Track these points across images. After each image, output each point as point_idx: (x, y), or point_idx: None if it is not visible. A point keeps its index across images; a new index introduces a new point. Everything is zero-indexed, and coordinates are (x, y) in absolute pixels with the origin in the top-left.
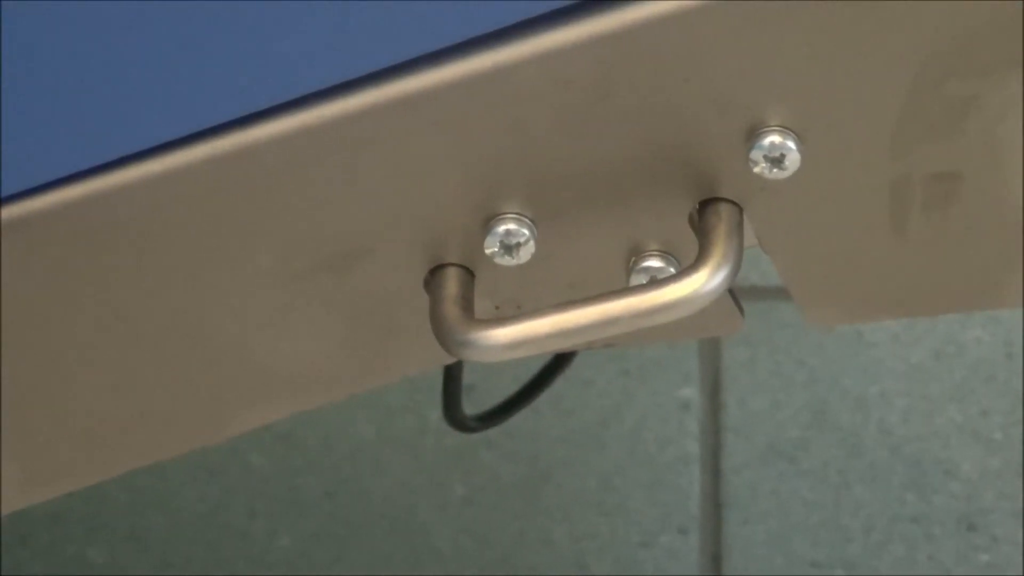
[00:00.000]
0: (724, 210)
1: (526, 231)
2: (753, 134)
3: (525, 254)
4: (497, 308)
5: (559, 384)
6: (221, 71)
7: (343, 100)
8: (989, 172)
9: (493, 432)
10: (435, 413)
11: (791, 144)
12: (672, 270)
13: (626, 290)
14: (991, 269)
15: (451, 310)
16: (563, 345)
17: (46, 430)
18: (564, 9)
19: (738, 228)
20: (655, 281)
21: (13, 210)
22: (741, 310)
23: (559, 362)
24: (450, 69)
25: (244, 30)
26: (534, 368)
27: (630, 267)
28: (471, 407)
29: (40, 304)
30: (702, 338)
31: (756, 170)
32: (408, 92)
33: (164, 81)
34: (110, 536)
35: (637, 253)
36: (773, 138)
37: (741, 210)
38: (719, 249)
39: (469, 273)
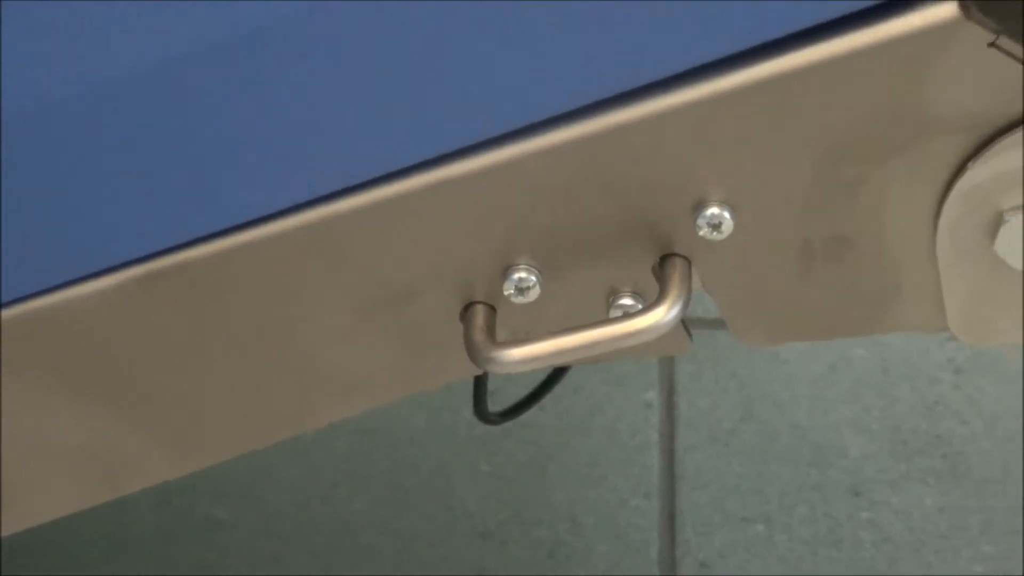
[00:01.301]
0: (677, 262)
1: (534, 278)
2: (698, 207)
3: (533, 295)
4: (513, 334)
5: (558, 389)
6: (316, 157)
7: (403, 182)
8: (872, 236)
9: (510, 424)
10: (467, 410)
11: (727, 214)
12: (640, 306)
13: (606, 321)
14: (871, 306)
15: (479, 336)
16: (561, 361)
17: (186, 423)
18: (558, 116)
19: (688, 276)
20: (627, 314)
21: (171, 260)
22: (690, 335)
23: (558, 373)
24: (476, 160)
25: (331, 124)
26: (539, 378)
27: (609, 303)
28: (494, 406)
29: (183, 332)
30: (661, 356)
31: (701, 233)
32: (446, 178)
33: (278, 163)
34: (230, 499)
35: (614, 293)
36: (713, 210)
37: (690, 262)
38: (674, 291)
39: (492, 308)
